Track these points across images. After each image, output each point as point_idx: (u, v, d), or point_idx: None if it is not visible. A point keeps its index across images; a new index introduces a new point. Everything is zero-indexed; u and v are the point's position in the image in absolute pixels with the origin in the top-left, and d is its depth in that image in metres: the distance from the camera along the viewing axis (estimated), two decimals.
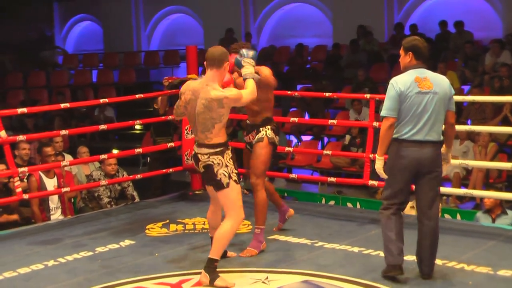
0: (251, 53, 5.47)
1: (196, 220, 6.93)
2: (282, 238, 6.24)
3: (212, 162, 5.10)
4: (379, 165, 4.98)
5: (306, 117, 12.85)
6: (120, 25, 19.80)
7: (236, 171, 5.17)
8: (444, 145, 5.11)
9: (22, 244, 6.30)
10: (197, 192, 8.18)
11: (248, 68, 5.36)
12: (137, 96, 8.07)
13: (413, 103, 4.85)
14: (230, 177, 5.11)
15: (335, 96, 9.77)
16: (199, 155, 5.16)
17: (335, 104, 13.67)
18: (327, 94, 8.31)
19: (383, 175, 4.99)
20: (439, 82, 4.97)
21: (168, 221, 6.94)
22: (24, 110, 7.23)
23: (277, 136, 6.00)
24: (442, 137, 5.02)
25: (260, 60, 17.14)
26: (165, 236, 6.44)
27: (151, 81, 18.03)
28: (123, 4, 19.80)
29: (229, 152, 5.18)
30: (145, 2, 19.82)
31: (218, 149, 5.10)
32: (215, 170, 5.09)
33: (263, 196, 5.91)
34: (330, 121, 8.53)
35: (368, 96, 7.50)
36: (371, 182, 7.18)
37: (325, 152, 8.75)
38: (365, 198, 10.08)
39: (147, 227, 6.72)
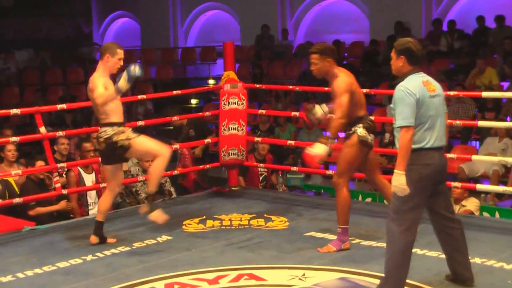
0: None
1: (233, 216, 6.95)
2: (319, 235, 6.23)
3: (109, 133, 5.80)
4: (403, 181, 4.45)
5: None
6: (157, 21, 19.92)
7: (133, 135, 5.82)
8: None
9: (61, 239, 6.37)
10: (233, 188, 8.20)
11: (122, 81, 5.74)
12: (174, 92, 8.11)
13: (428, 108, 4.55)
14: (128, 139, 5.82)
15: (372, 92, 9.72)
16: (99, 134, 5.89)
17: (372, 100, 13.59)
18: (364, 90, 8.24)
19: (407, 191, 4.47)
20: (437, 84, 4.71)
21: (205, 217, 6.96)
22: (64, 106, 7.33)
23: (371, 135, 5.80)
24: None
25: (297, 56, 17.13)
26: (202, 232, 6.46)
27: (188, 77, 18.12)
28: (160, 0, 19.91)
29: (126, 128, 5.90)
30: None
31: (113, 126, 5.81)
32: (114, 138, 5.78)
33: (344, 195, 5.77)
34: None
35: None
36: None
37: None
38: None
39: (184, 223, 6.75)
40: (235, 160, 8.00)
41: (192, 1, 19.75)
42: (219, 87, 8.15)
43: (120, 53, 5.96)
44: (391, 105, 4.61)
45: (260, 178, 9.16)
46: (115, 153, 5.89)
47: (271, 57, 16.60)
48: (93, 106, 5.96)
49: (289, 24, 17.73)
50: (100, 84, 5.79)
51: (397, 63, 4.68)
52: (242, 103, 7.98)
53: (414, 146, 4.51)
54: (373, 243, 5.94)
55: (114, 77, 5.94)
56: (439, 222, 4.82)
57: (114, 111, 5.88)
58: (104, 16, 22.01)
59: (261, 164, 8.79)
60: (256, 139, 8.69)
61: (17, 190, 7.50)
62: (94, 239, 6.10)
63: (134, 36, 21.03)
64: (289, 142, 8.64)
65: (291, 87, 9.10)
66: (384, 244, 5.83)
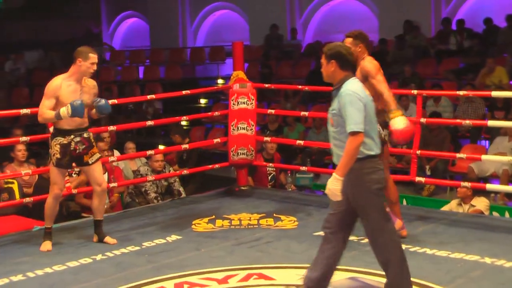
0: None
1: (242, 216, 6.95)
2: None
3: (49, 141, 6.14)
4: (339, 187, 4.24)
5: None
6: (166, 21, 19.94)
7: (59, 156, 5.93)
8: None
9: (71, 238, 6.39)
10: (243, 188, 8.20)
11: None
12: (183, 92, 8.12)
13: (372, 112, 4.40)
14: (50, 159, 6.03)
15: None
16: None
17: None
18: None
19: (339, 198, 4.27)
20: None
21: (214, 216, 6.97)
22: None
23: (384, 130, 5.76)
24: None
25: (305, 55, 17.08)
26: (211, 232, 6.47)
27: (197, 77, 18.14)
28: (169, 0, 19.94)
29: (63, 140, 5.95)
30: None
31: (53, 132, 6.04)
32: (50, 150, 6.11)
33: None
34: None
35: (415, 92, 7.42)
36: (418, 179, 7.12)
37: None
38: (412, 195, 10.00)
39: (193, 223, 6.76)
40: (244, 159, 8.00)
41: (201, 1, 19.77)
42: (228, 87, 8.16)
43: (93, 57, 5.96)
44: (333, 110, 4.38)
45: (269, 178, 9.16)
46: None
47: (279, 56, 16.60)
48: None
49: (298, 23, 17.72)
50: (49, 96, 5.88)
51: (328, 68, 4.44)
52: (251, 103, 7.98)
53: (368, 153, 4.34)
54: None
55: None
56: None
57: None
58: (113, 17, 22.06)
59: (270, 164, 8.79)
60: (265, 138, 8.70)
61: (18, 197, 7.46)
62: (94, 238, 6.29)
63: (143, 36, 21.07)
64: (298, 141, 8.63)
65: (300, 86, 9.10)
66: None
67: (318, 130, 12.05)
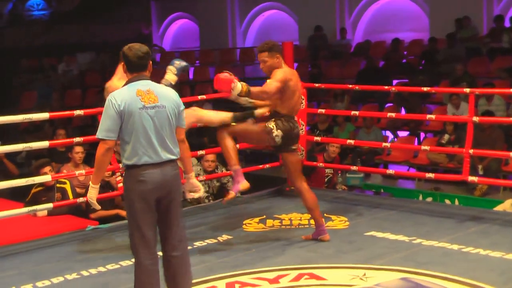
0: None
1: (293, 216, 6.95)
2: (379, 235, 6.19)
3: None
4: (93, 195, 4.43)
5: (403, 112, 12.69)
6: (216, 22, 20.05)
7: None
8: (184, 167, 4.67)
9: (123, 238, 6.44)
10: (293, 188, 8.19)
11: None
12: None
13: (140, 120, 4.22)
14: None
15: (432, 91, 9.59)
16: None
17: (432, 99, 13.45)
18: (425, 89, 8.16)
19: (98, 207, 4.54)
20: (167, 94, 4.38)
21: (265, 216, 6.98)
22: None
23: (278, 131, 5.89)
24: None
25: (355, 55, 17.04)
26: (262, 232, 6.48)
27: (246, 77, 18.18)
28: (218, 1, 20.04)
29: None
30: None
31: None
32: None
33: (225, 141, 6.03)
34: (428, 116, 8.36)
35: (467, 90, 7.32)
36: (470, 178, 7.02)
37: (423, 147, 8.61)
38: (464, 195, 9.89)
39: (244, 223, 6.78)
40: None
41: (250, 2, 19.83)
42: None
43: None
44: None
45: (325, 180, 9.15)
46: None
47: (328, 56, 16.56)
48: None
49: (347, 23, 17.64)
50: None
51: (123, 71, 4.52)
52: (302, 103, 7.96)
53: (126, 162, 4.30)
54: (434, 243, 5.87)
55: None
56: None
57: None
58: (163, 18, 22.26)
59: (321, 164, 8.75)
60: (316, 138, 8.68)
61: (71, 197, 7.53)
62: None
63: (193, 37, 21.22)
64: (348, 141, 8.60)
65: (350, 86, 9.07)
66: (446, 244, 5.80)
67: (368, 130, 12.00)
